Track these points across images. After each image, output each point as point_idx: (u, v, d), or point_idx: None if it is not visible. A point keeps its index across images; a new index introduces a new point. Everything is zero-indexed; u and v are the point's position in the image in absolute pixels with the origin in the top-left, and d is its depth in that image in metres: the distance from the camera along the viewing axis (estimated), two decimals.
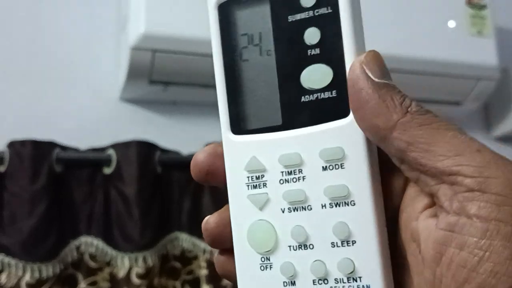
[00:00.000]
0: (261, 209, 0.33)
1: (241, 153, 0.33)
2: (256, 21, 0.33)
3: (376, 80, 0.29)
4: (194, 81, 1.09)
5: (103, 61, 1.16)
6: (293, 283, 0.32)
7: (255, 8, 0.33)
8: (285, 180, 0.32)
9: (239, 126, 0.34)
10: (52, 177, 0.95)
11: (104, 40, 1.17)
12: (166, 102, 1.18)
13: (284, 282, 0.32)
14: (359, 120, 0.30)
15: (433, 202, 0.29)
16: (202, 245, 1.02)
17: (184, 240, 1.03)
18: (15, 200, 0.92)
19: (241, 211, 0.33)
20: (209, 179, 0.35)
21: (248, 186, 0.33)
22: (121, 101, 1.16)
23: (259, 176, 0.33)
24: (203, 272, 1.00)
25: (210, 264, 1.00)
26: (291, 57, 0.32)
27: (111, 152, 1.00)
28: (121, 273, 0.96)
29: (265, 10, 0.33)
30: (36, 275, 0.90)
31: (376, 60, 0.30)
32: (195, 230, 1.03)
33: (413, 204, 0.31)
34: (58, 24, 1.16)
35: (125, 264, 0.96)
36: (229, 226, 0.34)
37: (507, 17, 1.41)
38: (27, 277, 0.89)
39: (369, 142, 0.31)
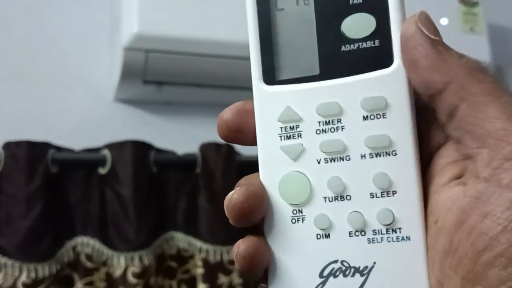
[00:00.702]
0: (295, 160, 0.32)
1: (274, 104, 0.32)
2: None
3: (432, 37, 0.29)
4: (188, 80, 1.10)
5: (97, 62, 1.16)
6: (328, 236, 0.31)
7: None
8: (323, 130, 0.32)
9: (272, 76, 0.33)
10: (48, 178, 0.95)
11: (98, 41, 1.17)
12: (160, 102, 1.18)
13: (317, 234, 0.31)
14: (414, 73, 0.30)
15: (463, 172, 0.29)
16: (198, 244, 1.02)
17: (180, 239, 1.03)
18: (10, 201, 0.92)
19: (273, 162, 0.32)
20: (238, 136, 0.34)
21: (281, 136, 0.32)
22: (115, 102, 1.16)
23: (293, 126, 0.32)
24: (199, 271, 1.00)
25: (206, 263, 1.00)
26: (332, 6, 0.32)
27: (106, 152, 1.00)
28: (117, 273, 0.96)
29: None
30: (33, 275, 0.90)
31: (430, 19, 0.30)
32: (191, 230, 1.03)
33: (439, 176, 0.30)
34: (52, 25, 1.16)
35: (121, 263, 0.96)
36: (259, 197, 0.32)
37: (499, 14, 1.41)
38: (24, 277, 0.90)
39: (411, 94, 0.31)
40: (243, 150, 1.05)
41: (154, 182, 1.02)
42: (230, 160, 1.04)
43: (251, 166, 1.09)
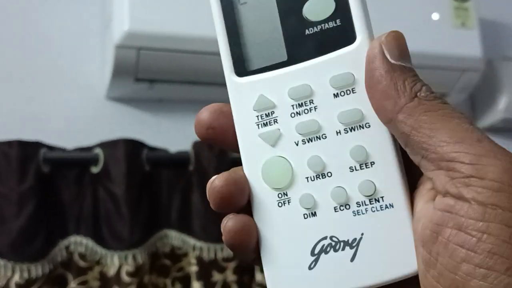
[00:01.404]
0: (273, 145, 0.33)
1: (248, 94, 0.33)
2: None
3: (392, 61, 0.30)
4: (180, 78, 1.09)
5: (89, 60, 1.16)
6: (314, 214, 0.32)
7: None
8: (296, 113, 0.32)
9: (243, 68, 0.34)
10: (40, 177, 0.95)
11: (90, 39, 1.16)
12: (152, 100, 1.18)
13: (304, 214, 0.32)
14: (370, 98, 0.31)
15: (434, 193, 0.30)
16: (192, 242, 1.02)
17: (174, 237, 1.03)
18: (3, 201, 0.92)
19: (254, 151, 0.33)
20: (214, 137, 0.34)
21: (258, 125, 0.33)
22: (107, 100, 1.15)
23: (268, 113, 0.33)
24: (193, 268, 1.00)
25: (200, 261, 1.00)
26: None
27: (98, 151, 1.00)
28: (111, 272, 0.96)
29: None
30: (25, 275, 0.90)
31: (397, 40, 0.30)
32: (185, 227, 1.03)
33: (421, 186, 0.31)
34: (44, 23, 1.15)
35: (114, 262, 0.96)
36: (239, 184, 0.33)
37: (490, 8, 1.42)
38: (16, 278, 0.89)
39: None
40: None
41: (147, 180, 1.02)
42: (223, 157, 1.04)
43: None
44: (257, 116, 0.33)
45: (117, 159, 0.98)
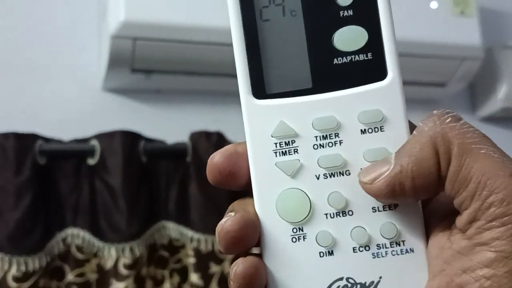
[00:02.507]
0: (292, 176, 0.31)
1: (266, 119, 0.31)
2: None
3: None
4: (177, 68, 1.09)
5: (84, 51, 1.15)
6: (331, 253, 0.31)
7: None
8: (320, 145, 0.31)
9: (262, 90, 0.32)
10: (36, 169, 0.94)
11: (86, 30, 1.15)
12: (149, 91, 1.17)
13: (320, 252, 0.31)
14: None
15: (451, 224, 0.29)
16: (190, 233, 1.01)
17: (172, 229, 1.03)
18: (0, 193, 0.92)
19: (269, 180, 0.31)
20: (230, 180, 0.32)
21: (276, 153, 0.31)
22: (103, 91, 1.14)
23: (289, 141, 0.31)
24: (191, 260, 1.00)
25: (198, 253, 0.99)
26: (322, 18, 0.31)
27: (95, 143, 0.99)
28: (109, 264, 0.95)
29: None
30: (23, 268, 0.89)
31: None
32: (182, 219, 1.02)
33: (432, 220, 0.31)
34: (39, 14, 1.14)
35: (112, 255, 0.95)
36: (253, 225, 0.31)
37: None
38: (13, 271, 0.89)
39: (405, 106, 0.31)
40: (233, 137, 1.05)
41: (144, 172, 1.01)
42: (221, 148, 1.03)
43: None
44: (276, 144, 0.31)
45: (114, 151, 0.98)
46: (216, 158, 0.32)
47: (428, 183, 0.28)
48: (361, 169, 0.31)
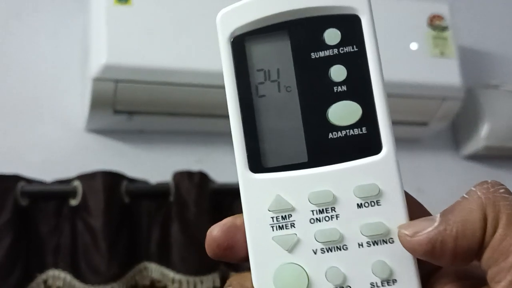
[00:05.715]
0: (289, 251, 0.31)
1: (263, 193, 0.32)
2: (274, 56, 0.33)
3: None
4: (159, 109, 1.10)
5: (67, 93, 1.16)
6: None
7: (272, 43, 0.33)
8: (316, 219, 0.31)
9: (259, 164, 0.32)
10: (17, 211, 0.94)
11: (69, 72, 1.17)
12: (132, 131, 1.18)
13: None
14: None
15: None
16: (171, 274, 1.01)
17: (153, 270, 1.02)
18: None
19: (266, 254, 0.31)
20: (228, 253, 0.32)
21: (273, 227, 0.31)
22: (87, 132, 1.15)
23: (285, 216, 0.31)
24: None
25: None
26: (316, 93, 0.32)
27: (77, 183, 0.99)
28: None
29: (285, 46, 0.32)
30: None
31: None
32: (164, 260, 1.02)
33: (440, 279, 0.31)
34: (22, 56, 1.15)
35: None
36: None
37: (469, 36, 1.43)
38: None
39: (401, 179, 0.31)
40: (216, 177, 1.05)
41: (126, 212, 1.01)
42: (203, 188, 1.03)
43: (224, 193, 1.08)
44: (272, 218, 0.31)
45: (96, 191, 0.98)
46: (215, 232, 0.32)
47: (469, 247, 0.28)
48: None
